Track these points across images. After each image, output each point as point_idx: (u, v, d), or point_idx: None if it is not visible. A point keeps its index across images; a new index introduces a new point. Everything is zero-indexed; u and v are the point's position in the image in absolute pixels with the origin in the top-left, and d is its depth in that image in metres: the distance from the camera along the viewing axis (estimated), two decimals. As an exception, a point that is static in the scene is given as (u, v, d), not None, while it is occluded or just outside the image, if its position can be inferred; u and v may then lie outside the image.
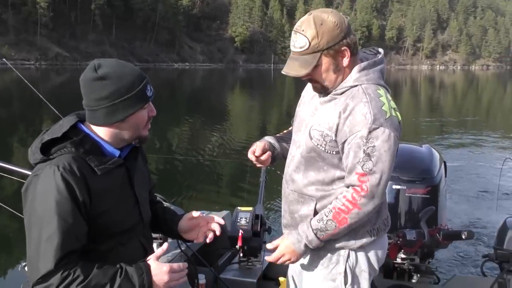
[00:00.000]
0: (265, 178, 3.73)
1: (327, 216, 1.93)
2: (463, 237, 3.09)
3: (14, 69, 3.27)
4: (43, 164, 1.63)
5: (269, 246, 2.08)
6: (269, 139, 2.27)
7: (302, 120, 2.10)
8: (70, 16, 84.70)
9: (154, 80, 43.48)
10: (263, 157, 2.17)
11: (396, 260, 3.38)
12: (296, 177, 2.08)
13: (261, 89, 43.08)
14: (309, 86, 2.18)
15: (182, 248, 2.90)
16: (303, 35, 1.85)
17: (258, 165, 2.23)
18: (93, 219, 1.65)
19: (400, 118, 1.92)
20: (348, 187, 1.92)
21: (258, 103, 28.82)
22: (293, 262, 2.06)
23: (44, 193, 1.57)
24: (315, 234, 1.95)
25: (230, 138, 14.10)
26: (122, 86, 1.65)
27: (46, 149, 1.65)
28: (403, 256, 3.38)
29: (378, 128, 1.83)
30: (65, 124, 1.70)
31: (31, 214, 1.60)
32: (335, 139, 1.92)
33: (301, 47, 1.87)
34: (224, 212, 3.73)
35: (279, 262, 2.05)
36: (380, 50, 2.10)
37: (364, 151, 1.85)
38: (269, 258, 2.08)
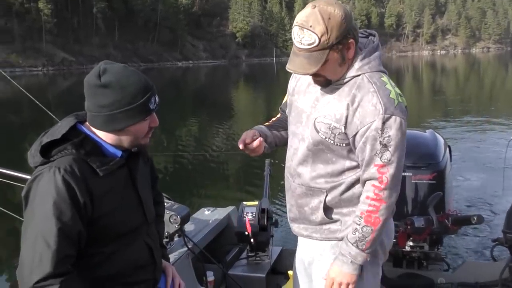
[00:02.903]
0: (270, 171, 3.71)
1: (359, 224, 1.90)
2: (473, 222, 3.07)
3: (10, 79, 3.25)
4: (43, 167, 1.60)
5: (321, 281, 2.04)
6: (258, 128, 2.21)
7: (301, 111, 2.04)
8: (73, 21, 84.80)
9: (159, 80, 43.69)
10: (254, 144, 2.09)
11: (405, 248, 3.36)
12: (302, 171, 2.04)
13: (265, 82, 42.98)
14: None
15: (189, 246, 2.89)
16: (311, 31, 1.76)
17: (252, 154, 2.14)
18: (96, 221, 1.62)
19: (405, 103, 1.90)
20: (365, 181, 1.90)
21: (263, 97, 28.76)
22: (354, 283, 1.98)
23: (43, 194, 1.55)
24: (357, 247, 1.91)
25: (235, 133, 14.06)
26: (123, 97, 1.61)
27: (46, 152, 1.62)
28: (412, 244, 3.36)
29: (390, 117, 1.81)
30: (63, 125, 1.67)
31: (29, 215, 1.58)
32: (345, 131, 1.88)
33: (309, 44, 1.78)
34: (230, 208, 3.71)
35: None
36: (373, 32, 2.04)
37: (380, 142, 1.82)
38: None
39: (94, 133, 1.70)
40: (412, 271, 3.43)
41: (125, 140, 1.71)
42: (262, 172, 3.76)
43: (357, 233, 1.90)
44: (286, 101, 2.23)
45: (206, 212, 3.60)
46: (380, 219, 1.88)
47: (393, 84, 1.90)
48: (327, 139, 1.92)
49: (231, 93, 32.77)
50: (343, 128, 1.88)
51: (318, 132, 1.94)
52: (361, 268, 1.98)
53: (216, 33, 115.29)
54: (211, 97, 29.06)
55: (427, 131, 3.99)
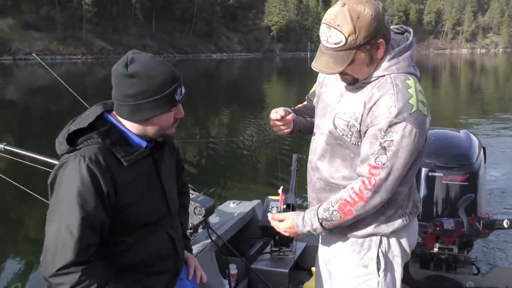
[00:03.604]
0: (297, 166, 3.67)
1: (333, 207, 1.89)
2: (506, 225, 2.98)
3: (45, 65, 3.30)
4: (69, 155, 1.62)
5: (271, 217, 2.10)
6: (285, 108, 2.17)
7: (326, 105, 2.01)
8: (112, 11, 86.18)
9: (193, 71, 43.96)
10: (289, 117, 2.08)
11: (433, 250, 3.28)
12: (321, 165, 2.02)
13: (298, 77, 42.77)
14: None
15: (213, 238, 2.89)
16: (338, 30, 1.71)
17: (280, 131, 2.13)
18: (120, 211, 1.64)
19: (427, 113, 1.81)
20: (358, 176, 1.87)
21: (295, 91, 28.66)
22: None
23: (68, 183, 1.56)
24: (321, 223, 1.93)
25: (266, 125, 14.03)
26: (150, 87, 1.61)
27: (73, 140, 1.63)
28: (440, 245, 3.27)
29: (400, 122, 1.74)
30: (91, 114, 1.68)
31: (54, 203, 1.60)
32: (360, 129, 1.85)
33: (335, 43, 1.74)
34: (255, 202, 3.69)
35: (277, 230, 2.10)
36: (409, 29, 1.97)
37: (380, 143, 1.77)
38: (271, 221, 2.10)
39: (120, 123, 1.71)
40: (439, 274, 3.35)
41: (150, 130, 1.71)
42: (289, 167, 3.73)
43: (327, 212, 1.90)
44: (314, 91, 2.21)
45: (231, 205, 3.59)
46: (353, 213, 1.86)
47: (419, 89, 1.81)
48: (344, 136, 1.89)
49: (264, 86, 32.76)
50: (358, 126, 1.84)
51: (336, 128, 1.91)
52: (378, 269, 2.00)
53: (251, 26, 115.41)
54: (244, 89, 29.13)
55: (461, 131, 3.87)
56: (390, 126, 1.75)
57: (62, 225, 1.54)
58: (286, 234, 2.07)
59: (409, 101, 1.76)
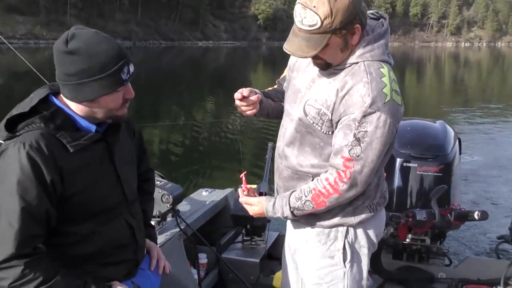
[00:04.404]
0: (272, 155, 3.62)
1: (306, 196, 1.85)
2: (476, 217, 2.97)
3: (13, 49, 3.19)
4: (9, 142, 1.52)
5: (242, 199, 2.04)
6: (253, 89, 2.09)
7: (297, 90, 1.94)
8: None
9: (179, 58, 43.46)
10: (253, 97, 2.00)
11: (405, 240, 3.27)
12: (288, 153, 1.96)
13: (284, 66, 42.58)
14: None
15: (182, 227, 2.82)
16: (314, 12, 1.65)
17: (246, 112, 2.05)
18: (69, 199, 1.55)
19: (400, 102, 1.77)
20: (332, 167, 1.82)
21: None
22: None
23: (7, 172, 1.47)
24: (292, 212, 1.89)
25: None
26: (92, 65, 1.49)
27: (15, 125, 1.53)
28: (413, 236, 3.26)
29: (374, 112, 1.69)
30: (34, 97, 1.58)
31: None
32: (331, 118, 1.79)
33: (310, 26, 1.68)
34: (228, 190, 3.64)
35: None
36: (384, 15, 1.91)
37: (354, 134, 1.72)
38: (241, 199, 2.05)
39: (67, 106, 1.60)
40: (412, 265, 3.34)
41: (98, 112, 1.61)
42: (264, 156, 3.68)
43: (299, 202, 1.87)
44: (285, 76, 2.15)
45: (204, 193, 3.53)
46: (326, 204, 1.83)
47: (392, 77, 1.76)
48: (314, 125, 1.84)
49: (250, 75, 32.64)
50: (330, 114, 1.78)
51: (306, 115, 1.85)
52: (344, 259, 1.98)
53: (238, 14, 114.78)
54: (229, 78, 28.97)
55: (437, 122, 3.84)
56: (364, 116, 1.70)
57: (1, 217, 1.46)
58: (254, 215, 2.04)
59: (383, 90, 1.71)
